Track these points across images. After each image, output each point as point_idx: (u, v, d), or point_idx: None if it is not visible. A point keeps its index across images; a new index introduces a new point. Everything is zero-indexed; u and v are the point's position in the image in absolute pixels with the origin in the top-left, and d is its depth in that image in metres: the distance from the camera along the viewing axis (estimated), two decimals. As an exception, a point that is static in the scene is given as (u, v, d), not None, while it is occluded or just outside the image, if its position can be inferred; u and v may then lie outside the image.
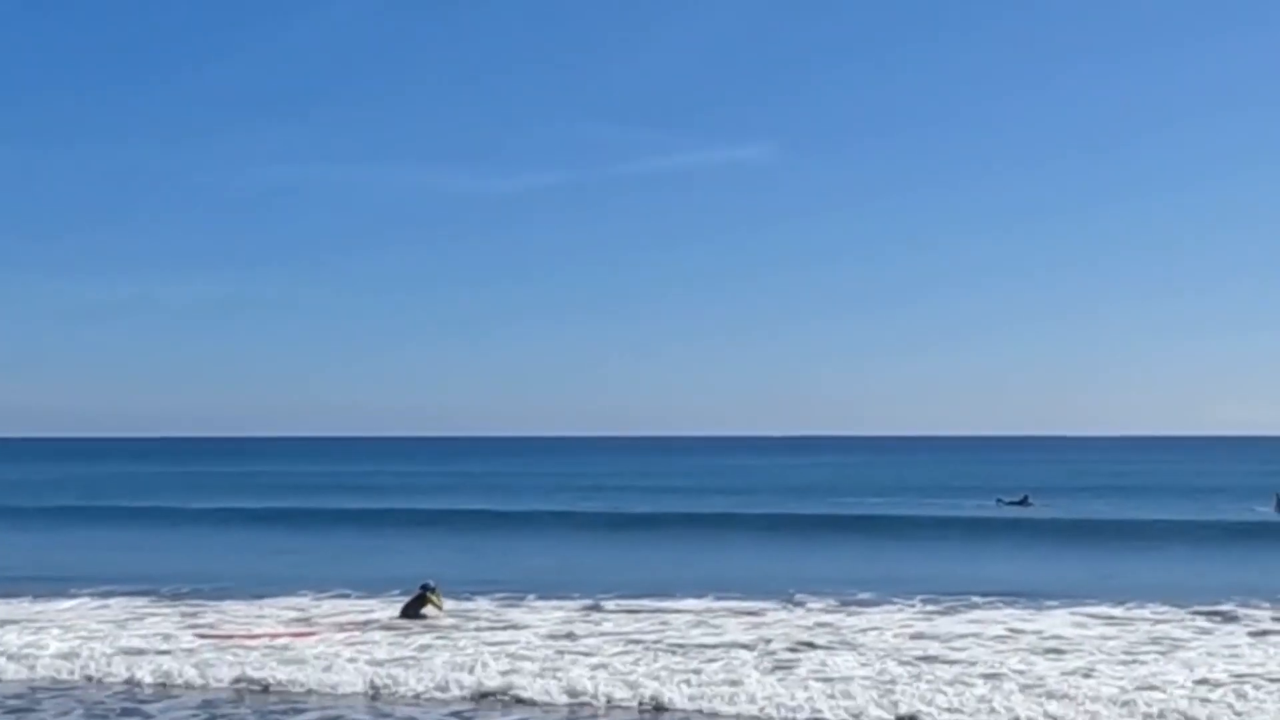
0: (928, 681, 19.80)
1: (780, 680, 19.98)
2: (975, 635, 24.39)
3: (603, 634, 24.94)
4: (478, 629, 25.67)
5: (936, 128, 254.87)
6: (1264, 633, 24.79)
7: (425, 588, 27.37)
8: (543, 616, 27.25)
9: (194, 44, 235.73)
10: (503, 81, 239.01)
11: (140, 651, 22.96)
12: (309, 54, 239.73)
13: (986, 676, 20.23)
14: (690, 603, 29.08)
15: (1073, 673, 20.54)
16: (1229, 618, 26.64)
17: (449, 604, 27.99)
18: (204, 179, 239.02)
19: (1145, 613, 27.18)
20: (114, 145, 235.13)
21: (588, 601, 29.26)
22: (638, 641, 23.88)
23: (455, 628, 25.93)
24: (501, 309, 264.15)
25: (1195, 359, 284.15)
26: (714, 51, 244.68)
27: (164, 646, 23.54)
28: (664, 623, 26.28)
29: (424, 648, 23.23)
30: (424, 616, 26.90)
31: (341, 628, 25.88)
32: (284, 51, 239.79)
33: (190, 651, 22.96)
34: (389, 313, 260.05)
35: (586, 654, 22.53)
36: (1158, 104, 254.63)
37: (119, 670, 21.54)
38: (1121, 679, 20.09)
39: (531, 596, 30.25)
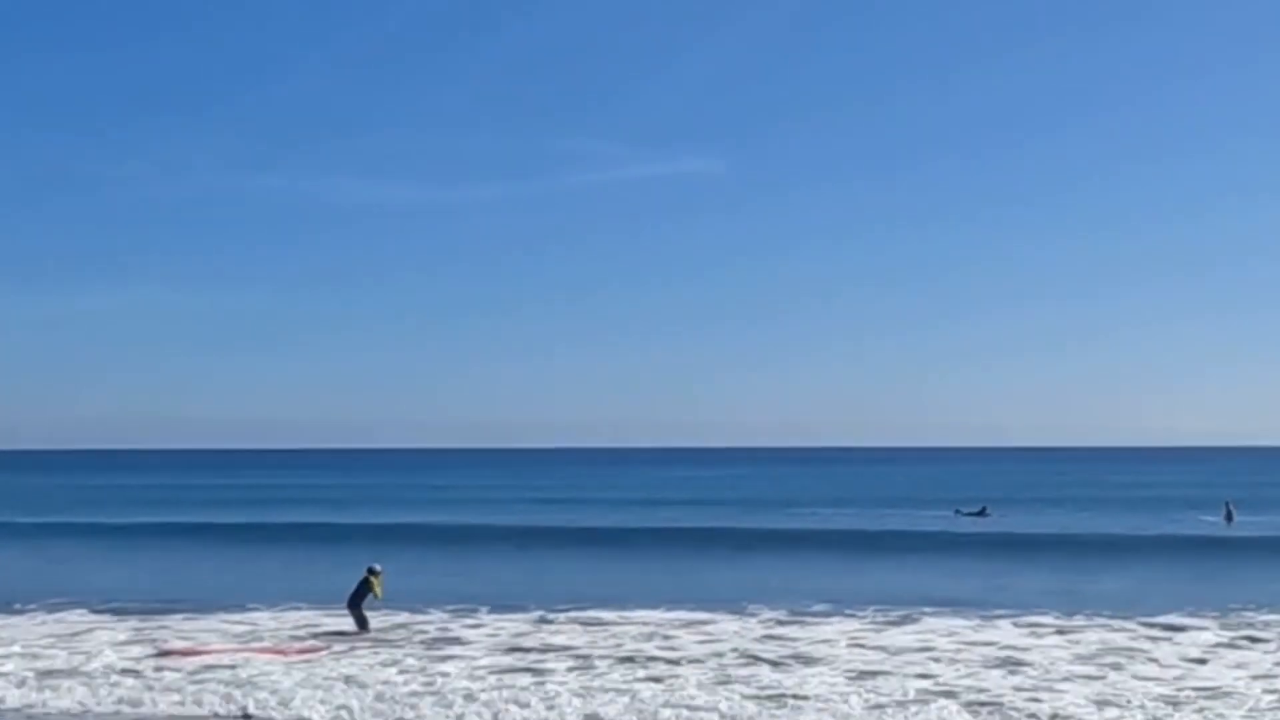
0: (875, 700, 19.78)
1: (727, 697, 19.91)
2: (927, 649, 24.35)
3: (549, 648, 24.82)
4: (424, 643, 25.52)
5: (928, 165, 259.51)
6: (1215, 645, 24.90)
7: (371, 570, 27.55)
8: (491, 630, 27.12)
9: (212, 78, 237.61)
10: (512, 102, 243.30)
11: (76, 672, 22.50)
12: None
13: (939, 694, 20.17)
14: (643, 614, 29.06)
15: (1028, 689, 20.50)
16: (1178, 629, 26.77)
17: (402, 616, 27.92)
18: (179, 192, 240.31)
19: (1096, 626, 27.28)
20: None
21: (540, 614, 29.19)
22: (585, 656, 23.78)
23: (407, 639, 25.83)
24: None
25: (1154, 370, 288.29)
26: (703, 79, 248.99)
27: (116, 664, 23.16)
28: (614, 635, 26.20)
29: (371, 666, 23.05)
30: (366, 626, 26.84)
31: (288, 643, 25.65)
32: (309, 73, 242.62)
33: (137, 671, 22.70)
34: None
35: (530, 669, 22.41)
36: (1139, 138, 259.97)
37: (59, 690, 21.02)
38: (1075, 694, 20.13)
39: (484, 609, 30.15)
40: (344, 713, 19.30)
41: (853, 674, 21.79)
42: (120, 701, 20.30)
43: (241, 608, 30.68)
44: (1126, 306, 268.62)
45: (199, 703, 20.06)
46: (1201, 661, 23.16)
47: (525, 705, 19.38)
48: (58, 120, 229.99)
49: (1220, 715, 18.68)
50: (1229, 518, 61.08)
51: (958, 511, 67.81)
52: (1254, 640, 25.49)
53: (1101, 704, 19.35)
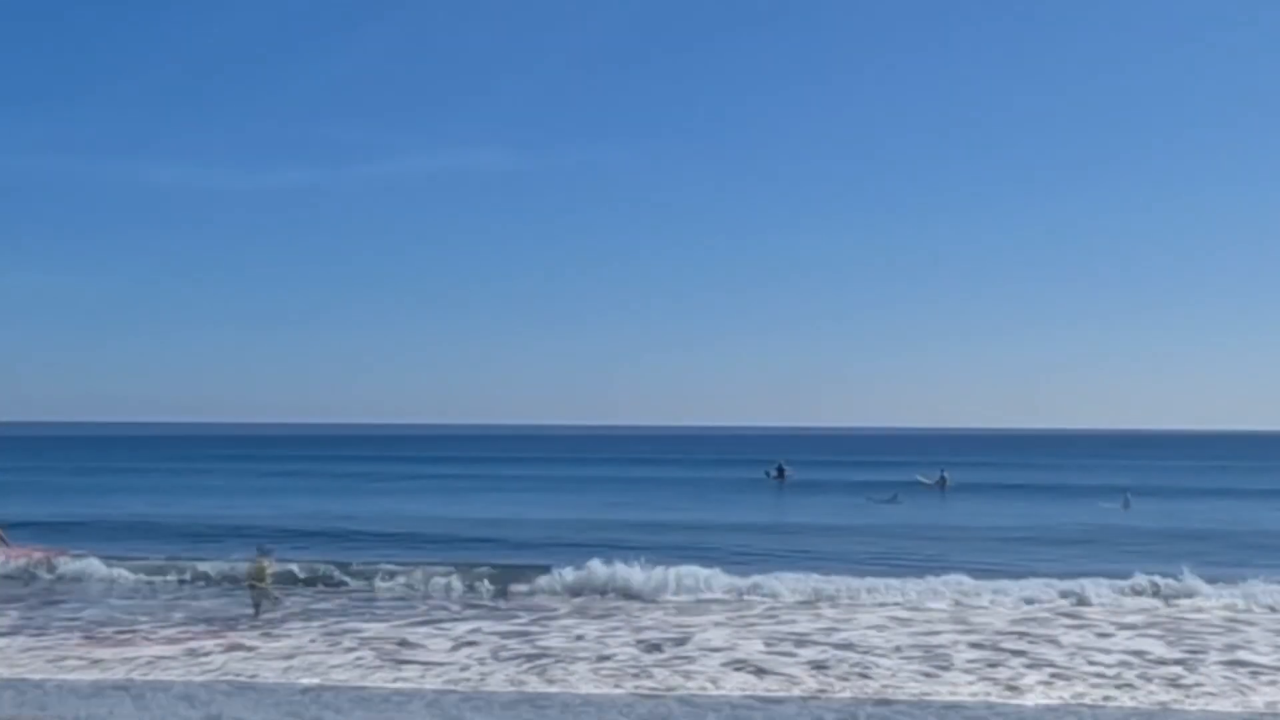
0: (767, 693, 19.62)
1: (614, 688, 19.66)
2: (825, 640, 24.07)
3: (441, 636, 24.40)
4: (316, 634, 24.88)
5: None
6: (1112, 632, 25.14)
7: (260, 550, 27.64)
8: (387, 622, 26.47)
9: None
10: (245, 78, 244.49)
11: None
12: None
13: (836, 683, 20.09)
14: (538, 601, 29.12)
15: (923, 678, 20.46)
16: (1073, 617, 27.08)
17: (296, 605, 27.55)
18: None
19: (992, 614, 27.46)
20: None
21: (436, 603, 28.83)
22: (474, 643, 23.36)
23: (303, 630, 25.27)
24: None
25: (1064, 360, 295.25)
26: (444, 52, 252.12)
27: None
28: (509, 624, 25.82)
29: (257, 657, 22.49)
30: (260, 613, 26.34)
31: (173, 633, 24.98)
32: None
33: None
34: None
35: (419, 661, 21.95)
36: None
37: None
38: (968, 682, 20.16)
39: (381, 600, 29.69)
40: (213, 706, 18.68)
41: (748, 666, 21.60)
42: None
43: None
44: (1041, 300, 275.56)
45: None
46: (1095, 650, 23.34)
47: (408, 699, 18.96)
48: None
49: (1109, 698, 18.85)
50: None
51: (869, 499, 68.30)
52: (1150, 626, 25.81)
53: (1002, 689, 19.45)
